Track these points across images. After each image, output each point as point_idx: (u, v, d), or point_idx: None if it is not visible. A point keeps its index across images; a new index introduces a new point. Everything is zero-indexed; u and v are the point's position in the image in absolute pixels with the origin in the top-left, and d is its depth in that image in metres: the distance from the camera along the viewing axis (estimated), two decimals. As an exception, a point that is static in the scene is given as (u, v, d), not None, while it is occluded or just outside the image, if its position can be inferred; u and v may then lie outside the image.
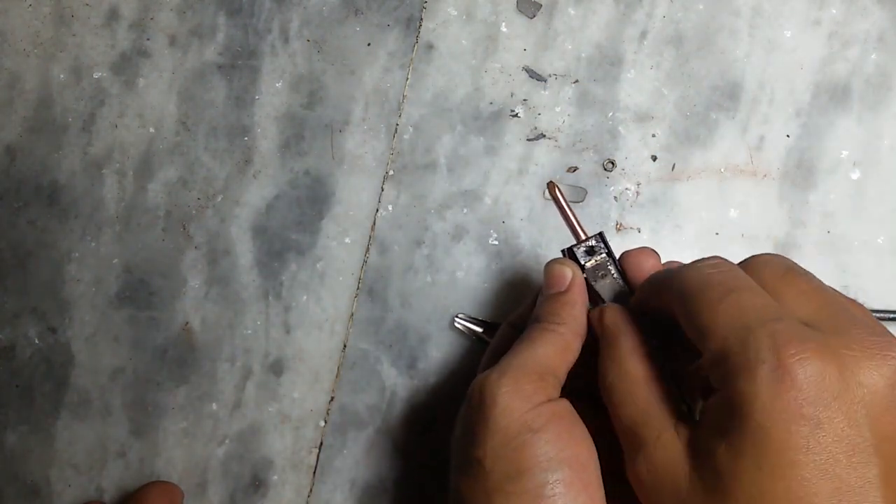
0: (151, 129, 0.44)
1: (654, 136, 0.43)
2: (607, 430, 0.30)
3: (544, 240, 0.43)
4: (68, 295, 0.43)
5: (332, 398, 0.43)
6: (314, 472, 0.43)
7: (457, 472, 0.31)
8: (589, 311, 0.33)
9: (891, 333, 0.26)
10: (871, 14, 0.43)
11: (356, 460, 0.43)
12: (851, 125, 0.43)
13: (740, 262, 0.30)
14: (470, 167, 0.43)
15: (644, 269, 0.33)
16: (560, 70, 0.43)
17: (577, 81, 0.43)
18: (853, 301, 0.29)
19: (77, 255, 0.43)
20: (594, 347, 0.33)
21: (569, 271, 0.33)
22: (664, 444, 0.27)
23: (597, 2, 0.43)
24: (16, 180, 0.44)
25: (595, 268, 0.34)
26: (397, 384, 0.43)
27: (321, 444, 0.43)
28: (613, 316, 0.32)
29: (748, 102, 0.43)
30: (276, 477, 0.43)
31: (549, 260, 0.34)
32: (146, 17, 0.44)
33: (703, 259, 0.30)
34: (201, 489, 0.43)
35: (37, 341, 0.43)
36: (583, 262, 0.34)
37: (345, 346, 0.43)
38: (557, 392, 0.31)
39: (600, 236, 0.34)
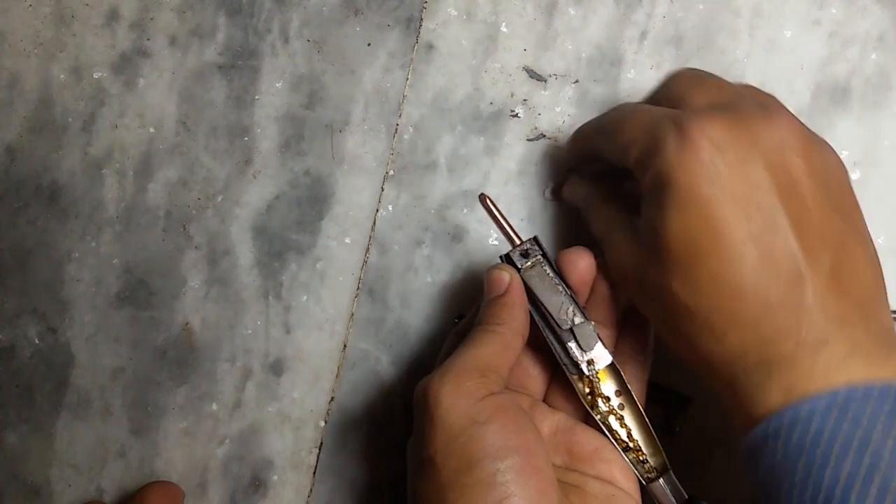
0: (151, 129, 0.44)
1: (654, 136, 0.43)
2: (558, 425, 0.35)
3: (544, 240, 0.43)
4: (68, 295, 0.43)
5: (332, 398, 0.43)
6: (314, 472, 0.43)
7: (412, 475, 0.31)
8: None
9: (776, 102, 0.33)
10: (871, 14, 0.43)
11: (356, 460, 0.43)
12: (851, 125, 0.43)
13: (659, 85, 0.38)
14: (470, 167, 0.43)
15: (578, 267, 0.35)
16: (560, 70, 0.43)
17: (577, 81, 0.43)
18: (754, 87, 0.35)
19: (77, 255, 0.43)
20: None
21: (506, 275, 0.34)
22: (620, 237, 0.34)
23: (597, 2, 0.43)
24: (16, 180, 0.44)
25: (531, 269, 0.35)
26: (397, 384, 0.43)
27: (321, 444, 0.43)
28: (574, 185, 0.40)
29: (748, 102, 0.43)
30: (276, 477, 0.43)
31: (488, 267, 0.35)
32: (146, 17, 0.44)
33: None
34: (201, 489, 0.43)
35: (37, 341, 0.43)
36: (519, 266, 0.35)
37: (345, 346, 0.43)
38: (500, 388, 0.31)
39: (535, 240, 0.36)
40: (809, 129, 0.32)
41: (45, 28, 0.44)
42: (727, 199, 0.29)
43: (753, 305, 0.29)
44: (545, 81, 0.43)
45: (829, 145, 0.32)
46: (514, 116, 0.43)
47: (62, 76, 0.44)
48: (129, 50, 0.44)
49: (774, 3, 0.43)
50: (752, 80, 0.43)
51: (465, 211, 0.43)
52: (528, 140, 0.43)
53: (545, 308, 0.35)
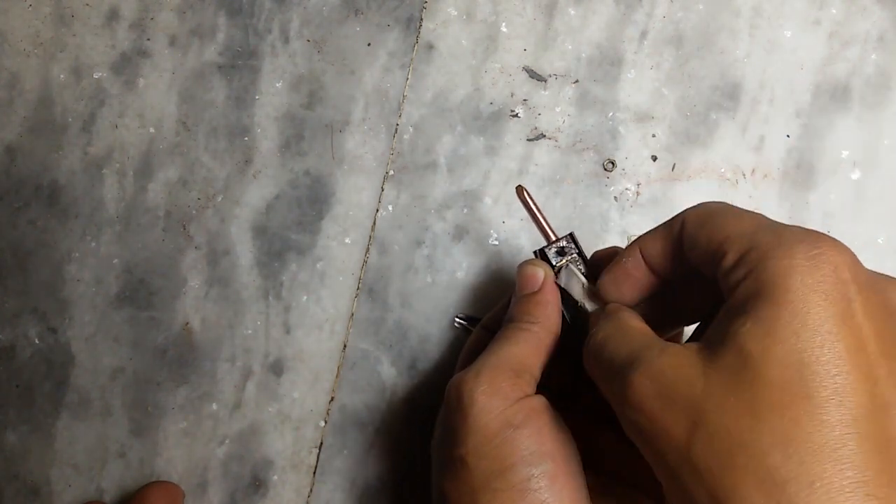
0: (151, 129, 0.44)
1: (654, 136, 0.43)
2: (582, 429, 0.31)
3: (544, 240, 0.43)
4: (68, 295, 0.43)
5: (332, 398, 0.43)
6: (314, 472, 0.43)
7: (440, 473, 0.31)
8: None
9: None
10: (871, 14, 0.43)
11: (356, 460, 0.43)
12: (851, 125, 0.43)
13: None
14: (470, 167, 0.43)
15: None
16: (560, 70, 0.43)
17: (577, 81, 0.43)
18: None
19: (77, 255, 0.43)
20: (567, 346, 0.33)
21: (541, 272, 0.34)
22: (671, 351, 0.26)
23: (597, 2, 0.43)
24: (16, 180, 0.44)
25: (565, 267, 0.34)
26: (397, 384, 0.43)
27: (321, 444, 0.43)
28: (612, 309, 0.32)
29: (748, 102, 0.43)
30: (276, 477, 0.43)
31: (521, 262, 0.35)
32: (146, 17, 0.44)
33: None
34: (201, 489, 0.43)
35: (37, 341, 0.43)
36: (554, 263, 0.34)
37: (345, 346, 0.43)
38: (533, 389, 0.31)
39: (571, 237, 0.35)
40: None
41: (45, 28, 0.44)
42: (855, 344, 0.23)
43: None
44: (545, 81, 0.43)
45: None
46: (514, 116, 0.43)
47: (62, 76, 0.44)
48: (129, 50, 0.44)
49: (774, 3, 0.43)
50: (752, 80, 0.43)
51: (465, 211, 0.43)
52: (528, 140, 0.43)
53: (578, 308, 0.34)
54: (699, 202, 0.30)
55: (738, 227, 0.27)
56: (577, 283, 0.34)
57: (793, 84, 0.43)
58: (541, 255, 0.35)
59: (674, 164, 0.43)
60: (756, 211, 0.29)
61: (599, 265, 0.34)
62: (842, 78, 0.43)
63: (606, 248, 0.35)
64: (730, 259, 0.26)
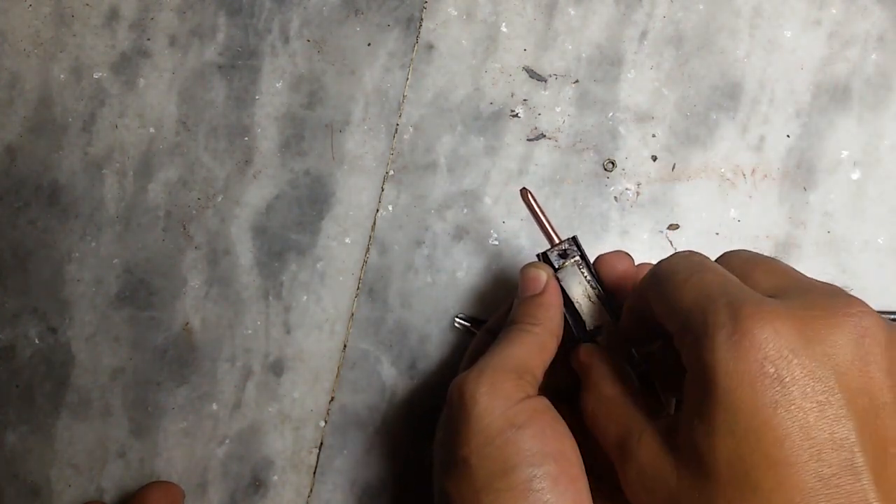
0: (151, 129, 0.44)
1: (654, 136, 0.43)
2: (582, 431, 0.31)
3: (544, 240, 0.43)
4: (68, 295, 0.43)
5: (332, 398, 0.43)
6: (314, 472, 0.43)
7: (442, 474, 0.31)
8: (571, 350, 0.34)
9: (850, 295, 0.26)
10: (871, 14, 0.43)
11: (356, 460, 0.43)
12: (851, 125, 0.43)
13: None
14: (470, 167, 0.43)
15: (617, 271, 0.34)
16: (560, 70, 0.43)
17: (577, 81, 0.43)
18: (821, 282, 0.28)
19: (77, 255, 0.43)
20: (568, 348, 0.34)
21: (543, 274, 0.34)
22: (645, 443, 0.27)
23: (597, 2, 0.43)
24: (16, 180, 0.44)
25: (567, 270, 0.34)
26: (397, 384, 0.43)
27: (321, 444, 0.43)
28: (586, 353, 0.33)
29: (748, 102, 0.43)
30: (276, 477, 0.43)
31: (524, 264, 0.35)
32: (146, 17, 0.44)
33: (676, 252, 0.32)
34: (201, 489, 0.43)
35: (37, 341, 0.43)
36: (556, 266, 0.34)
37: (345, 346, 0.43)
38: (535, 390, 0.31)
39: (573, 240, 0.35)
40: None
41: (45, 28, 0.44)
42: (796, 429, 0.23)
43: None
44: (545, 81, 0.43)
45: None
46: (514, 116, 0.43)
47: (62, 76, 0.44)
48: (129, 50, 0.44)
49: (774, 3, 0.43)
50: (752, 80, 0.43)
51: (465, 211, 0.43)
52: (528, 140, 0.43)
53: (579, 311, 0.34)
54: (660, 260, 0.30)
55: (679, 298, 0.27)
56: (579, 286, 0.34)
57: (793, 84, 0.43)
58: (543, 257, 0.35)
59: (674, 164, 0.43)
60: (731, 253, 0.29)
61: (602, 268, 0.34)
62: (842, 78, 0.43)
63: (610, 252, 0.35)
64: (675, 338, 0.27)
